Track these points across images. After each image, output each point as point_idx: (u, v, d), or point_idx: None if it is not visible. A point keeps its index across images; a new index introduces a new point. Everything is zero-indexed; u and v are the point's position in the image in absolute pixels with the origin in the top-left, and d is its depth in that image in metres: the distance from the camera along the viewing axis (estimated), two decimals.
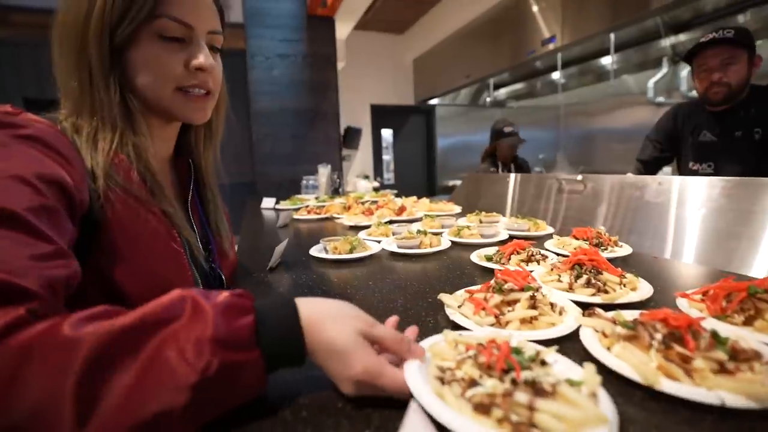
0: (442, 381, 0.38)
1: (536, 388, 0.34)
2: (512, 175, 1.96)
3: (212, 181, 0.79)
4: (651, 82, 3.91)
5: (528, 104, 5.67)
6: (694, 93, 1.83)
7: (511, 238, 1.15)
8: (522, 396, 0.33)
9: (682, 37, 3.71)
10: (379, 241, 1.10)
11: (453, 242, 1.09)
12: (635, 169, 2.06)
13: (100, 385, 0.31)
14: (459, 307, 0.59)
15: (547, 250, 0.95)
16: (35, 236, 0.39)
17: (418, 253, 1.01)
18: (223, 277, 0.74)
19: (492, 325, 0.54)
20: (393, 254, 1.03)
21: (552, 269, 0.73)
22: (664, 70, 3.88)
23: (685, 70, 3.68)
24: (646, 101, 4.00)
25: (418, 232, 1.07)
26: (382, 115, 6.05)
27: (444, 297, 0.62)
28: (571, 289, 0.66)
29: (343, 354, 0.39)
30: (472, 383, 0.36)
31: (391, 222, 1.46)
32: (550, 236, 1.19)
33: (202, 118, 0.65)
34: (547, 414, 0.32)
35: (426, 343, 0.47)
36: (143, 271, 0.56)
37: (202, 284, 0.66)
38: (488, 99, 5.89)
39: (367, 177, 5.18)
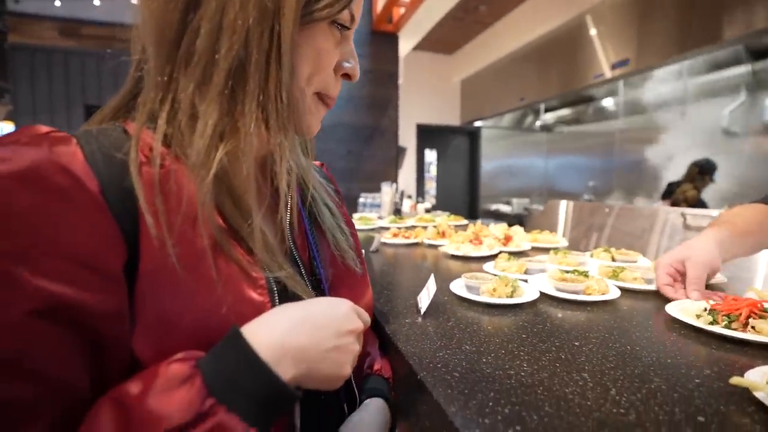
0: None
1: None
2: (613, 205, 1.76)
3: (322, 190, 0.64)
4: (726, 111, 3.70)
5: (579, 129, 5.45)
6: None
7: None
8: None
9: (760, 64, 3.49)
10: (525, 280, 0.92)
11: (620, 288, 0.89)
12: None
13: None
14: None
15: None
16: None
17: (583, 300, 0.82)
18: None
19: None
20: (547, 298, 0.85)
21: None
22: (742, 98, 3.66)
23: None
24: (720, 130, 3.77)
25: (577, 273, 0.89)
26: (427, 135, 5.94)
27: (744, 381, 0.44)
28: None
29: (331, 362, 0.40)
30: None
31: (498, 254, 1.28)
32: (722, 289, 0.98)
33: (315, 133, 0.53)
34: None
35: None
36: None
37: None
38: (538, 123, 5.69)
39: (410, 197, 5.02)
